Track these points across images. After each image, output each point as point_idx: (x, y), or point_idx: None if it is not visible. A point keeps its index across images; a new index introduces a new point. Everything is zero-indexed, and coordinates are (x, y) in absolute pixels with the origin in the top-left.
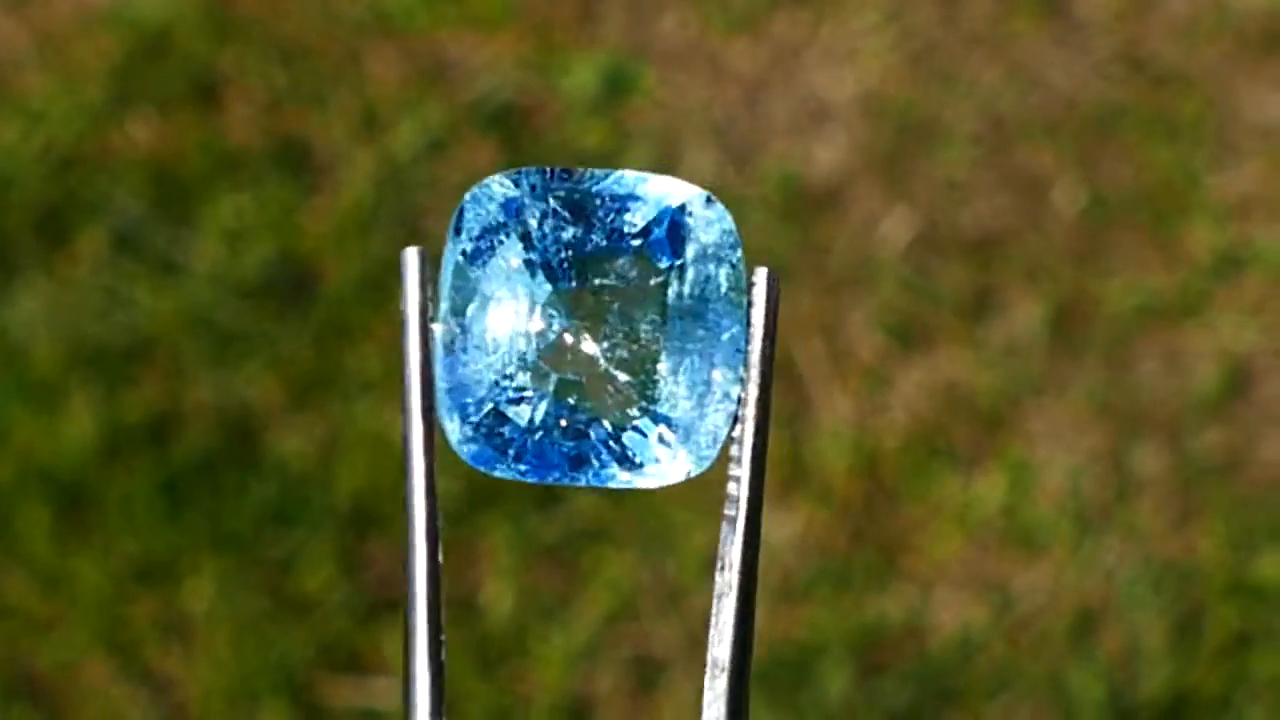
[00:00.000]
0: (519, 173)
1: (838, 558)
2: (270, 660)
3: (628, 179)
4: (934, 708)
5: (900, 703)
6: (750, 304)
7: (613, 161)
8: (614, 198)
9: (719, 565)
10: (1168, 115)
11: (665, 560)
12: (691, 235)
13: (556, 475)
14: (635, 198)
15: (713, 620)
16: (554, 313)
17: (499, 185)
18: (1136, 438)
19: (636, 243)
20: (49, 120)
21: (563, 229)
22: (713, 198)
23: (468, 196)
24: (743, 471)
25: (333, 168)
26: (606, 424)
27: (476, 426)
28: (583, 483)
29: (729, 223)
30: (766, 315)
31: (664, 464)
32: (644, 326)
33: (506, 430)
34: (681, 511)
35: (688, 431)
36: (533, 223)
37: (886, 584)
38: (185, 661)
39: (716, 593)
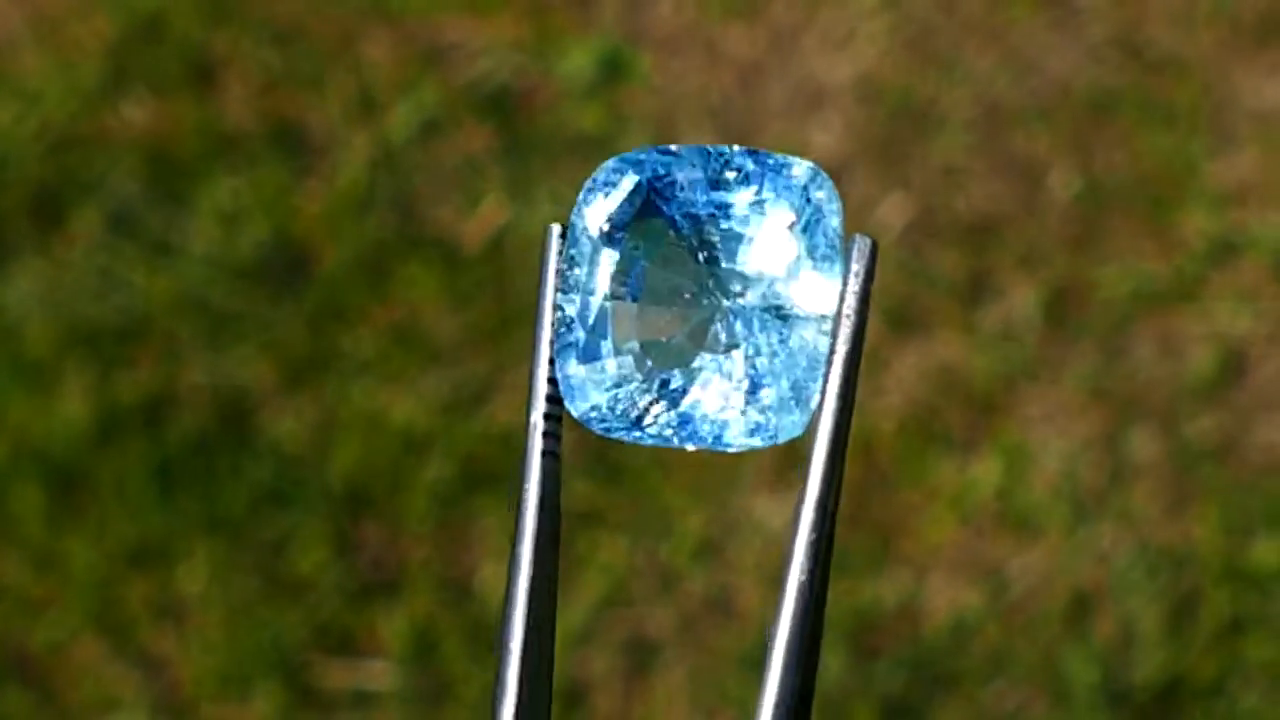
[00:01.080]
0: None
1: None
2: (263, 642)
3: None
4: (928, 691)
5: (894, 686)
6: (845, 274)
7: (608, 145)
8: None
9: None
10: (1164, 101)
11: (659, 544)
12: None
13: (669, 438)
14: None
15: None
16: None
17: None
18: (1131, 423)
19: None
20: (44, 101)
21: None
22: (819, 170)
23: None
24: (813, 459)
25: (328, 150)
26: (718, 389)
27: (602, 404)
28: (691, 446)
29: (831, 189)
30: (861, 287)
31: (764, 427)
32: (751, 292)
33: (630, 402)
34: (676, 495)
35: (788, 397)
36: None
37: (881, 568)
38: (178, 643)
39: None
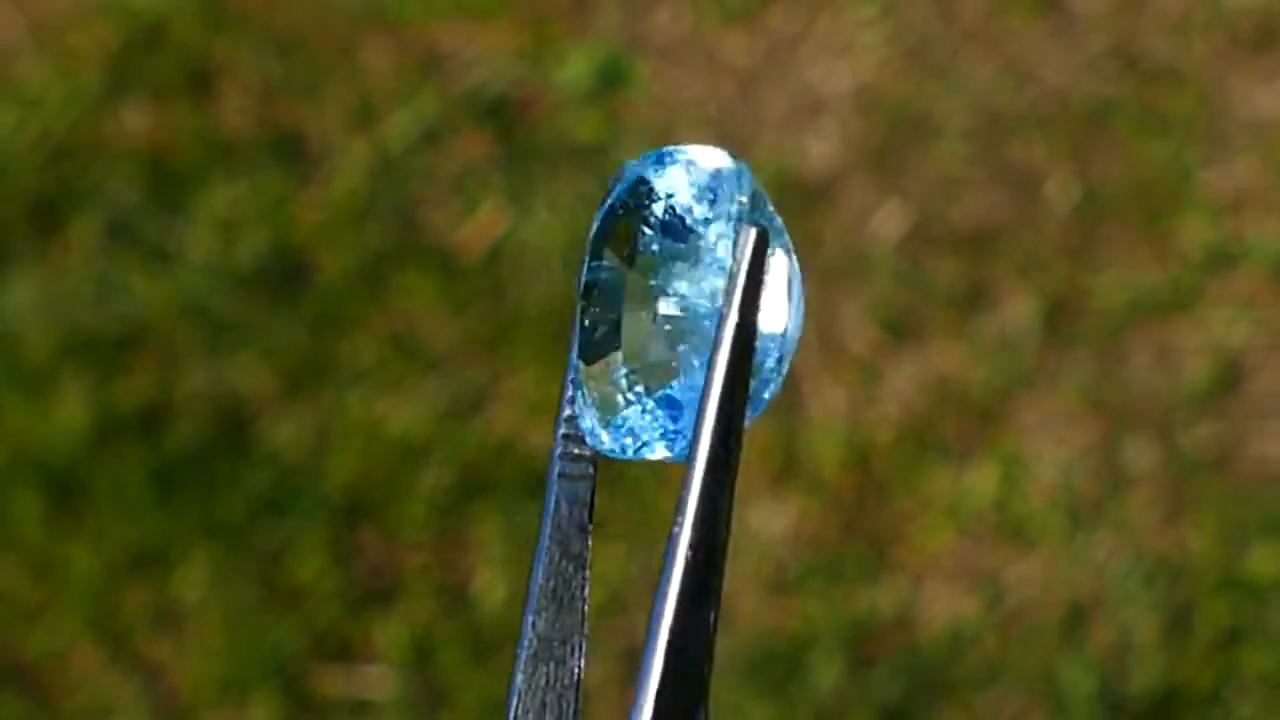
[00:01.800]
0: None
1: (829, 550)
2: (262, 649)
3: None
4: (925, 700)
5: (891, 695)
6: (733, 268)
7: (607, 153)
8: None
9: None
10: (1160, 111)
11: (654, 553)
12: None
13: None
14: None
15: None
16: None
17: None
18: (1128, 432)
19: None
20: (44, 108)
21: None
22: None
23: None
24: (690, 479)
25: (327, 158)
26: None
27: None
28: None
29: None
30: (743, 286)
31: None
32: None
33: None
34: (671, 504)
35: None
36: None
37: (878, 576)
38: (176, 650)
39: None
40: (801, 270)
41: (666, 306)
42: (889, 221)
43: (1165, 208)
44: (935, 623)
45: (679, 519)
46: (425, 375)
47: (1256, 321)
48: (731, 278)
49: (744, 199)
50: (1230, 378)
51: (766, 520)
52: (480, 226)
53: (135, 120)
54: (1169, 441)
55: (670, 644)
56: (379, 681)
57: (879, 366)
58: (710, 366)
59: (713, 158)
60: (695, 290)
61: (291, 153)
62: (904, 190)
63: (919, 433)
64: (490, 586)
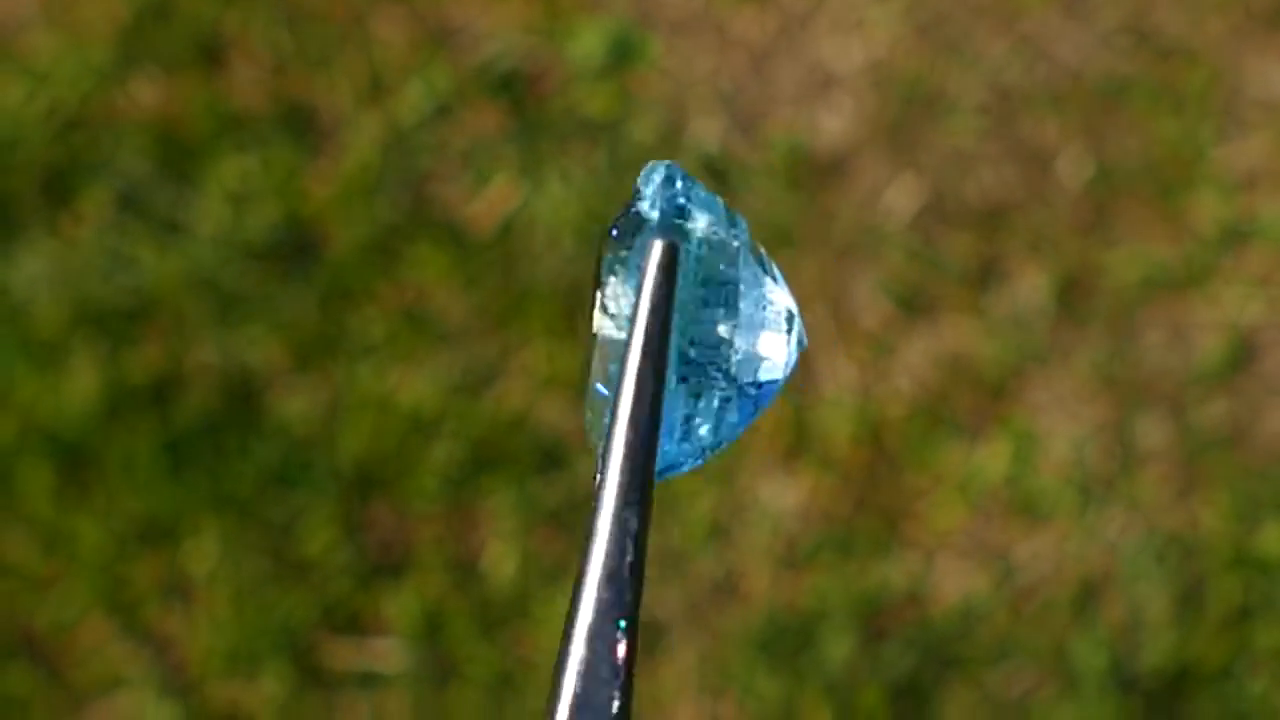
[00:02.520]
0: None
1: (841, 525)
2: (271, 622)
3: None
4: (935, 675)
5: (902, 670)
6: (640, 279)
7: (618, 128)
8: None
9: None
10: (1174, 88)
11: (668, 527)
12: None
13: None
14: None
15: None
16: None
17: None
18: (1140, 409)
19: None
20: (54, 81)
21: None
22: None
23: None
24: (598, 502)
25: (338, 131)
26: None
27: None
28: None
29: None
30: (654, 294)
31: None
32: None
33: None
34: (684, 478)
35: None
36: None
37: (889, 552)
38: (186, 622)
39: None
40: (767, 250)
41: (601, 326)
42: (901, 197)
43: (1178, 185)
44: (946, 598)
45: (585, 545)
46: (436, 349)
47: (1269, 299)
48: (638, 294)
49: (660, 202)
50: (1243, 355)
51: (778, 495)
52: (491, 200)
53: (146, 92)
54: (1181, 418)
55: (580, 675)
56: (389, 654)
57: (891, 342)
58: (616, 391)
59: (651, 165)
60: (625, 307)
61: (302, 125)
62: (917, 166)
63: (931, 409)
64: (500, 560)
